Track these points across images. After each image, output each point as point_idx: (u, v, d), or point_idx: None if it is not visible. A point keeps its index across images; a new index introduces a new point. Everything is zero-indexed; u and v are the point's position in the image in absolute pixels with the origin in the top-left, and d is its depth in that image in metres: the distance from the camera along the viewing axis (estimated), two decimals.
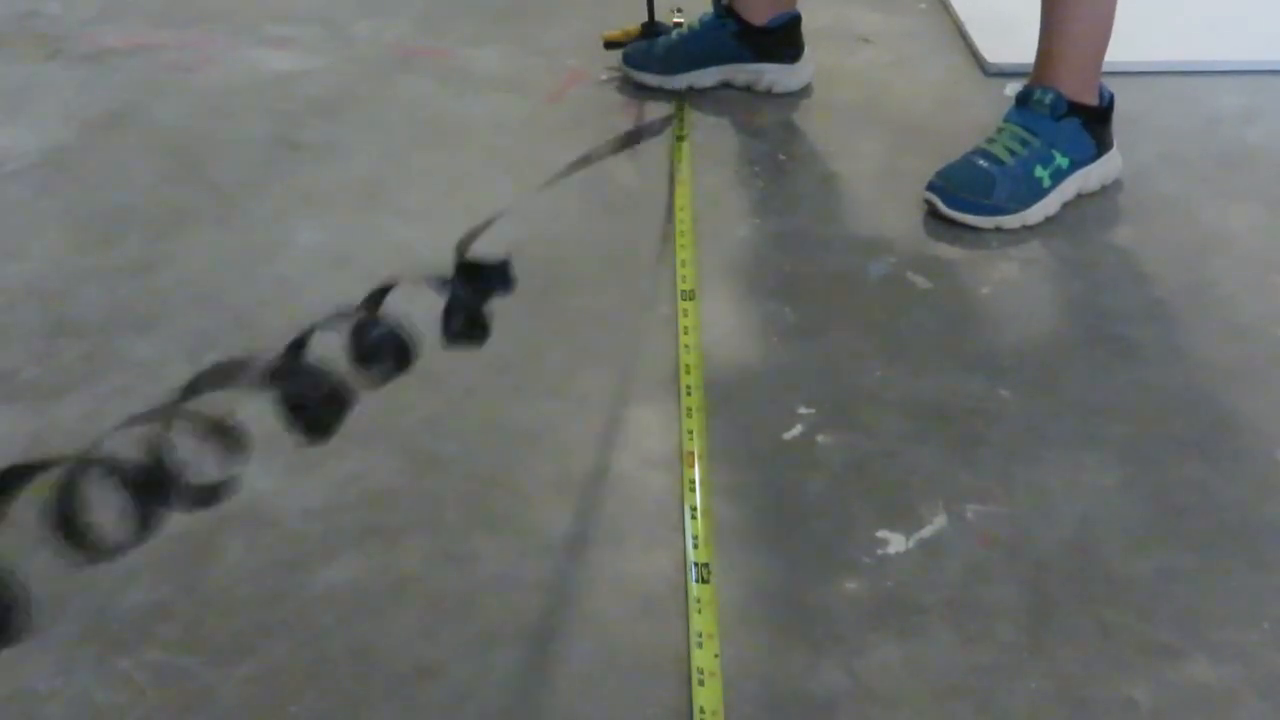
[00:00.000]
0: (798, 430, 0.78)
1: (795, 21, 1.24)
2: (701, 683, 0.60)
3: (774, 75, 1.26)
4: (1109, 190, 1.08)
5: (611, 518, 0.72)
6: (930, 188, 1.03)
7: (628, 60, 1.28)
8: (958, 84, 1.30)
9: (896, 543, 0.69)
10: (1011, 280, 0.96)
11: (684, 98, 1.25)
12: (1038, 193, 1.02)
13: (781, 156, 1.16)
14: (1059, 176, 1.03)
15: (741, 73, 1.26)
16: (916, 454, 0.76)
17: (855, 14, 1.47)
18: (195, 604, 0.66)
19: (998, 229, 1.01)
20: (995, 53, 1.33)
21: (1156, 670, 0.61)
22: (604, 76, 1.31)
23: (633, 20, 1.32)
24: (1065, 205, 1.05)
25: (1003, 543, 0.69)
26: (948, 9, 1.47)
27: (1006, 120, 1.06)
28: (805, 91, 1.28)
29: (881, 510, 0.71)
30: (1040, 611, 0.65)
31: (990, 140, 1.04)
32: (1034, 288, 0.95)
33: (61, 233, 1.03)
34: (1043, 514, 0.71)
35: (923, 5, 1.50)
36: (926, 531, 0.70)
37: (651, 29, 1.30)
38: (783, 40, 1.25)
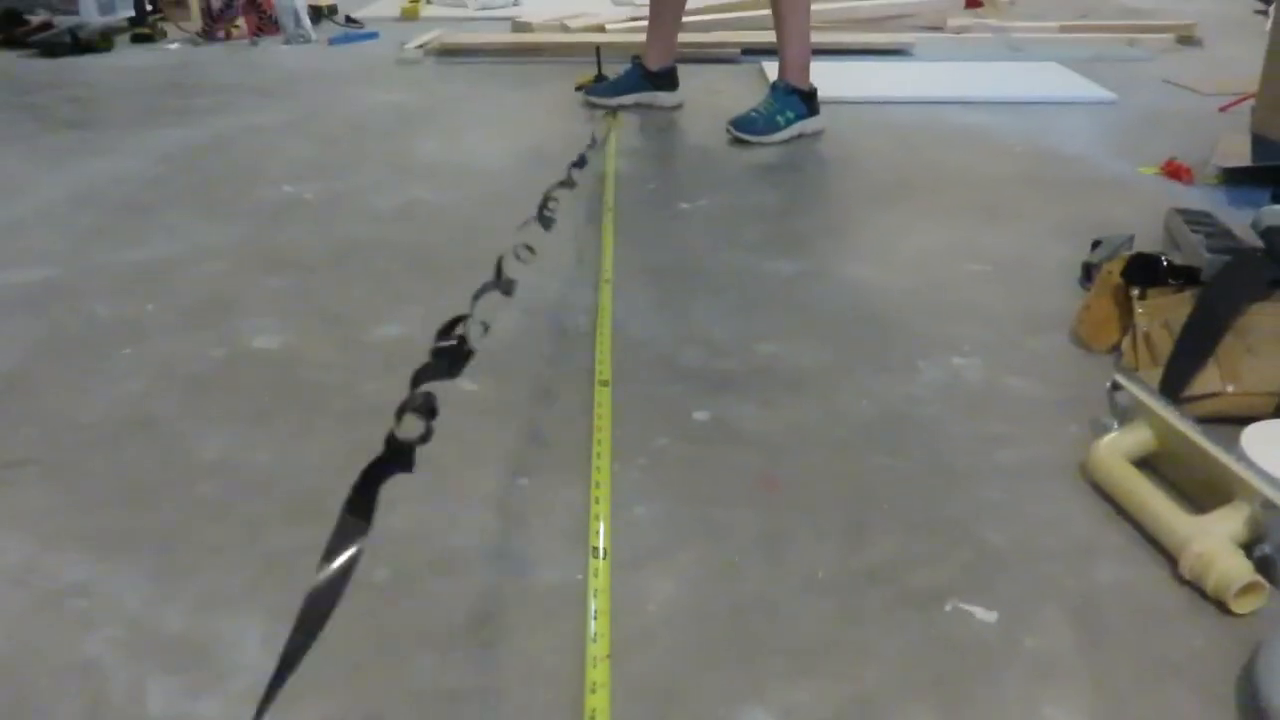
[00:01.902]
0: (685, 206, 1.89)
1: (673, 68, 2.43)
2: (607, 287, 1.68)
3: (663, 98, 2.43)
4: (816, 135, 2.24)
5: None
6: (730, 125, 2.19)
7: (588, 93, 2.46)
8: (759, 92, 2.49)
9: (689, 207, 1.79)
10: (761, 157, 2.09)
11: (615, 109, 2.42)
12: (778, 127, 2.17)
13: (664, 126, 2.32)
14: (789, 122, 2.19)
15: (645, 96, 2.44)
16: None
17: (715, 79, 2.68)
18: (274, 247, 1.74)
19: (760, 143, 2.16)
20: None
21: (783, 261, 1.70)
22: (579, 99, 2.49)
23: (590, 73, 2.52)
24: (793, 137, 2.20)
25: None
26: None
27: (767, 95, 2.22)
28: (680, 107, 2.45)
29: (677, 197, 1.81)
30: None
31: (759, 104, 2.21)
32: (772, 158, 2.08)
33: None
34: (748, 196, 1.82)
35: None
36: (701, 203, 1.80)
37: (600, 76, 2.48)
38: (667, 79, 2.43)
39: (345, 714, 0.74)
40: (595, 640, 0.79)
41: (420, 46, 3.14)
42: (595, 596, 0.84)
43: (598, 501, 0.96)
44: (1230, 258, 1.20)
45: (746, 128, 2.16)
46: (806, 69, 2.21)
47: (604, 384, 1.17)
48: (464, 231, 1.71)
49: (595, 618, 0.82)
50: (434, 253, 1.61)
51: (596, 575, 0.87)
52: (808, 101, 2.20)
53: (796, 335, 1.31)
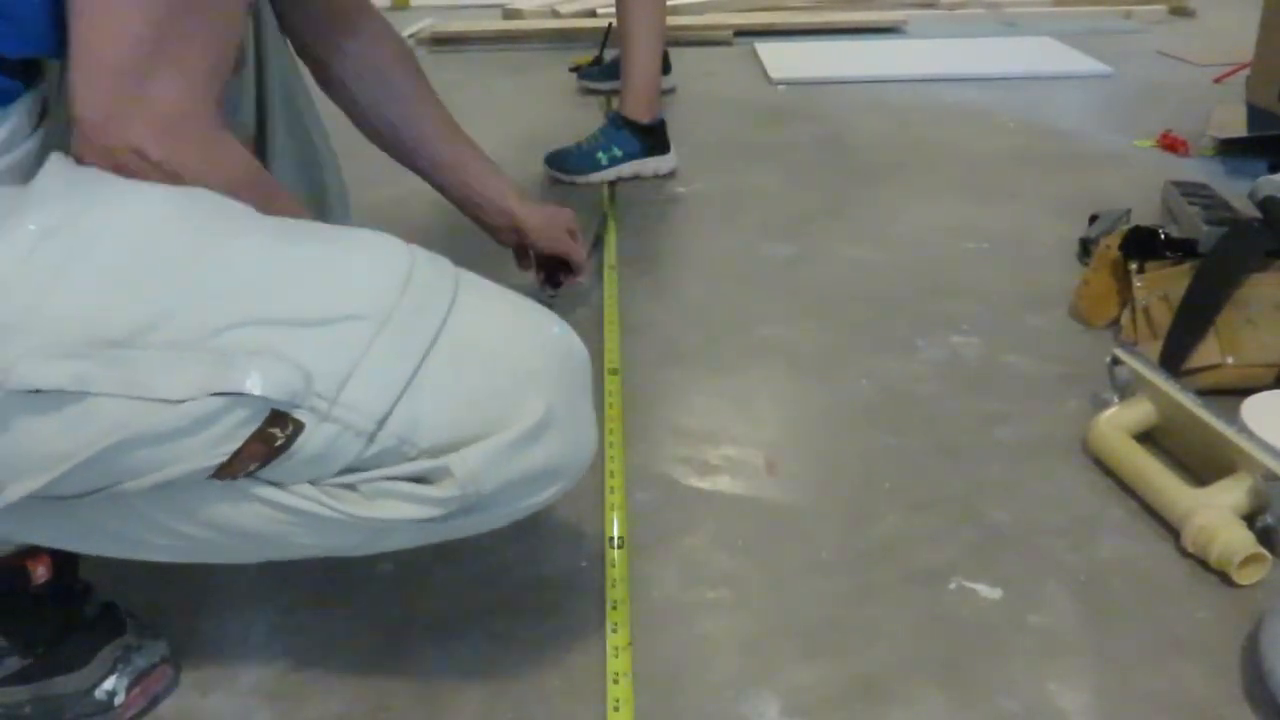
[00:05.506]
0: (681, 190, 1.88)
1: (665, 52, 2.41)
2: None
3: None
4: (662, 178, 2.10)
5: None
6: (545, 159, 1.83)
7: (581, 76, 2.45)
8: (754, 85, 2.48)
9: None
10: (755, 139, 2.08)
11: (608, 94, 2.41)
12: (597, 166, 1.80)
13: None
14: (614, 161, 1.79)
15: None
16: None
17: (708, 62, 2.67)
18: None
19: (572, 182, 1.80)
20: (776, 70, 2.51)
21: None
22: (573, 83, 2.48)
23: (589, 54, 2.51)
24: (620, 179, 1.80)
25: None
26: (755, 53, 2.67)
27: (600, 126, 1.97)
28: (673, 91, 2.44)
29: (673, 181, 1.81)
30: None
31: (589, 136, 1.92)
32: (766, 140, 2.07)
33: None
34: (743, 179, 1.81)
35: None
36: (697, 186, 1.79)
37: (597, 60, 2.47)
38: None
39: (352, 708, 0.75)
40: (615, 630, 0.79)
41: (411, 36, 3.12)
42: (613, 586, 0.84)
43: (613, 491, 0.96)
44: (1228, 229, 1.20)
45: (559, 163, 1.85)
46: (652, 101, 1.84)
47: (613, 373, 1.17)
48: (458, 218, 1.70)
49: (614, 608, 0.82)
50: (430, 243, 1.61)
51: (614, 565, 0.87)
52: (646, 138, 1.83)
53: (795, 317, 1.31)
